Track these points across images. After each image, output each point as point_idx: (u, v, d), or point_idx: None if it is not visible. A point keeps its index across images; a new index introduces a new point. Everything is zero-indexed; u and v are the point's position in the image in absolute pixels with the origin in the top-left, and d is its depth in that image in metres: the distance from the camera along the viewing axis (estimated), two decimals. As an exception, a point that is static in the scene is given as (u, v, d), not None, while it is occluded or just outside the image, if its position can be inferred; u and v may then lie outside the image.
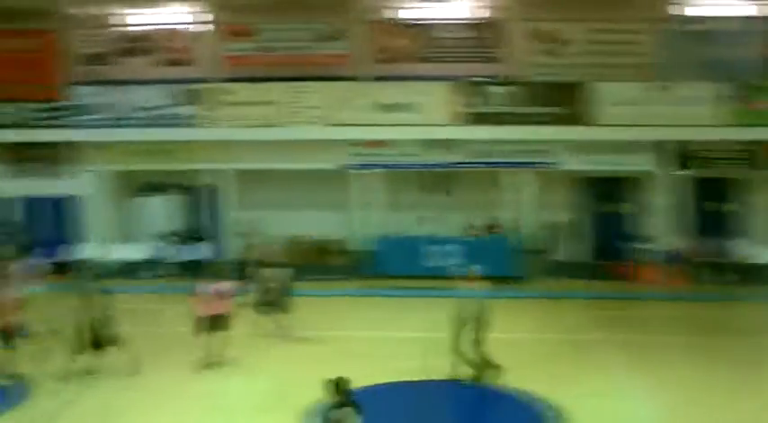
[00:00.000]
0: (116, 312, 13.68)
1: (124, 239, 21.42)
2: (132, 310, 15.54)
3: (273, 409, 12.08)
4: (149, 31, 21.88)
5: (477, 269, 13.07)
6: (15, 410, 12.08)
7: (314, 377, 10.75)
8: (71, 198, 21.30)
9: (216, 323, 13.88)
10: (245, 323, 14.94)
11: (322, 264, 20.69)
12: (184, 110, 20.42)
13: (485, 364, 12.95)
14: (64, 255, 20.65)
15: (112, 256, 20.64)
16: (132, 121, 20.51)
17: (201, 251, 20.69)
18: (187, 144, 20.52)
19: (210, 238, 21.16)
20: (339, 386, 9.18)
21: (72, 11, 21.35)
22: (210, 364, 13.77)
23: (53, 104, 20.79)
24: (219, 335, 13.83)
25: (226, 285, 14.33)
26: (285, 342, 15.05)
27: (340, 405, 9.01)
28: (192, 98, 20.49)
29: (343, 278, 19.89)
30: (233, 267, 18.05)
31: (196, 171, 21.04)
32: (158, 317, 16.80)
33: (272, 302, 15.32)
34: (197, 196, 21.64)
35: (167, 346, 14.69)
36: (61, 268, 19.94)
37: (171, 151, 20.57)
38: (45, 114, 20.85)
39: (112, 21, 22.61)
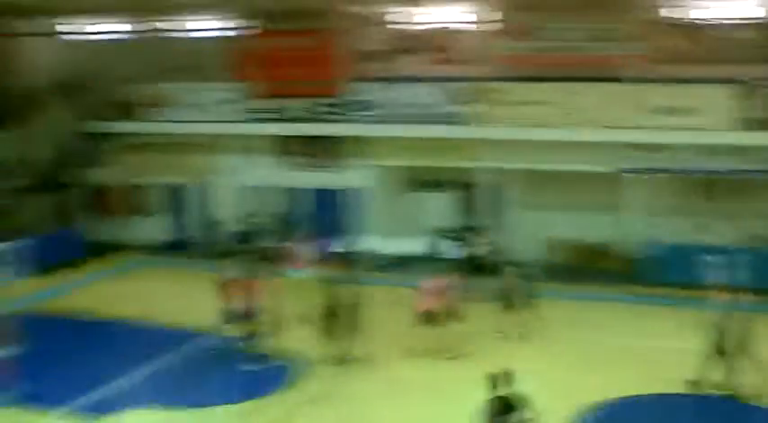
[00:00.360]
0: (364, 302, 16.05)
1: (400, 233, 24.07)
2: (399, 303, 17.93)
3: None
4: (426, 29, 24.43)
5: (743, 281, 14.00)
6: (279, 393, 14.79)
7: (546, 380, 12.70)
8: (352, 191, 24.25)
9: (431, 318, 16.01)
10: (484, 319, 17.14)
11: (590, 266, 22.22)
12: (459, 108, 22.63)
13: (733, 380, 13.83)
14: (341, 245, 23.81)
15: (388, 249, 23.79)
16: (409, 118, 23.02)
17: (476, 248, 22.58)
18: (462, 142, 22.63)
19: (485, 236, 22.96)
20: (498, 382, 10.24)
21: (352, 9, 24.20)
22: (446, 356, 16.03)
23: (335, 100, 23.82)
24: (439, 329, 15.96)
25: (442, 281, 16.31)
26: (521, 341, 16.94)
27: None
28: (467, 97, 22.61)
29: (611, 282, 21.18)
30: (498, 264, 19.84)
31: (470, 169, 23.12)
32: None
33: (512, 301, 17.25)
34: (472, 194, 23.89)
35: (407, 337, 16.91)
36: (337, 257, 23.31)
37: (446, 149, 22.82)
38: (328, 110, 24.08)
39: (390, 19, 25.89)
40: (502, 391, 10.41)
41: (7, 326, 14.61)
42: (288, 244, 22.14)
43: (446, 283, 16.31)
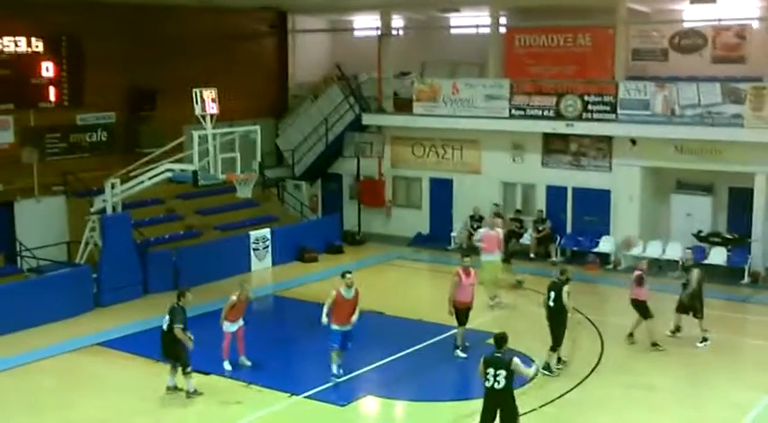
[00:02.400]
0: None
1: (661, 236, 23.48)
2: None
3: None
4: (705, 26, 23.61)
5: None
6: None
7: None
8: (614, 191, 23.81)
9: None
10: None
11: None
12: (736, 109, 21.57)
13: None
14: (600, 246, 23.90)
15: (648, 253, 23.26)
16: (683, 119, 22.28)
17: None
18: (735, 144, 21.57)
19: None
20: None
21: (630, 6, 23.93)
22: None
23: (608, 99, 23.38)
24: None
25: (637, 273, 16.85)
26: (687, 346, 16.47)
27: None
28: (747, 97, 21.48)
29: None
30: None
31: (742, 173, 21.99)
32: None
33: (688, 304, 16.91)
34: (741, 199, 22.73)
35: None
36: (594, 259, 23.31)
37: (717, 151, 21.95)
38: (600, 108, 23.64)
39: (667, 16, 25.17)
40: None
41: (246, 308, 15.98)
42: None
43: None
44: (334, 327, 14.63)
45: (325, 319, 14.61)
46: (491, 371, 11.41)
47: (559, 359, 15.73)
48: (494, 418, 11.70)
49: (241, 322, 15.73)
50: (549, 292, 15.45)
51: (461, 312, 16.33)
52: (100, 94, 23.52)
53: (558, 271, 16.02)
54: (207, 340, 15.17)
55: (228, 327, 15.57)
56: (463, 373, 16.02)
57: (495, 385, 11.41)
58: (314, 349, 17.59)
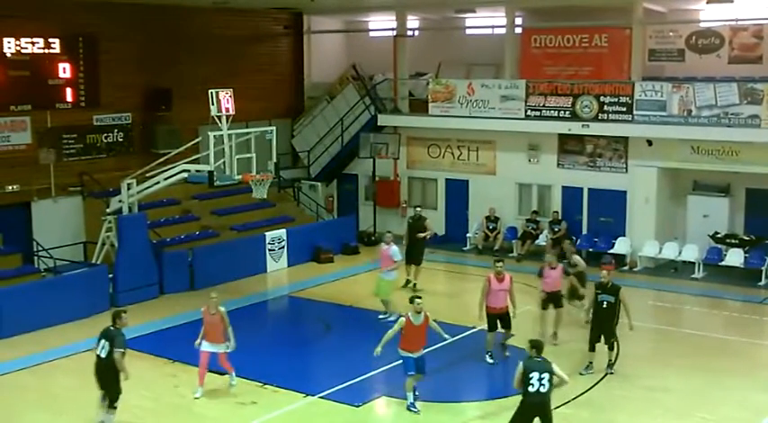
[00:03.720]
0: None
1: (677, 237, 23.56)
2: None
3: None
4: (722, 26, 23.47)
5: None
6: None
7: None
8: (630, 192, 23.76)
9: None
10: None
11: None
12: (754, 110, 21.42)
13: None
14: (615, 247, 23.76)
15: (663, 254, 23.28)
16: (701, 120, 22.14)
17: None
18: (754, 145, 21.57)
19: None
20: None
21: (646, 6, 23.86)
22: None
23: (625, 99, 23.24)
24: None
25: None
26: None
27: None
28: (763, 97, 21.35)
29: None
30: None
31: (760, 174, 21.99)
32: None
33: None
34: (757, 200, 22.84)
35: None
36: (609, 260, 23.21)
37: (734, 151, 21.91)
38: (613, 109, 23.55)
39: (684, 16, 25.10)
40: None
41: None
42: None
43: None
44: (405, 354, 13.93)
45: (379, 350, 13.93)
46: (535, 375, 11.53)
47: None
48: None
49: (222, 348, 14.55)
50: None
51: (491, 318, 16.26)
52: (116, 94, 23.67)
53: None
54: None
55: (203, 346, 14.54)
56: (478, 374, 16.05)
57: (541, 389, 11.55)
58: (329, 350, 17.71)
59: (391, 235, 19.53)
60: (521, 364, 11.77)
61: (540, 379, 11.55)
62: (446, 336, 14.64)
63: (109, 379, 12.73)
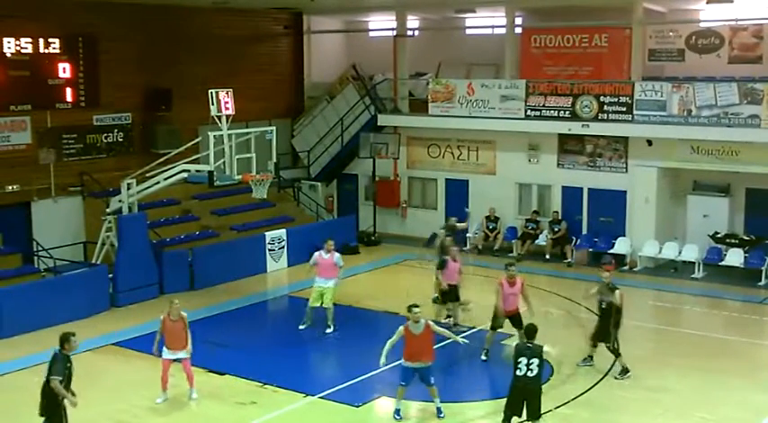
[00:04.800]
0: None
1: (677, 237, 23.53)
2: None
3: None
4: (722, 26, 23.46)
5: None
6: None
7: None
8: (630, 192, 23.70)
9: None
10: None
11: None
12: (754, 110, 21.39)
13: None
14: (615, 247, 23.72)
15: (663, 254, 23.31)
16: (701, 120, 22.11)
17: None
18: (754, 145, 21.56)
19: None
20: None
21: (646, 6, 23.82)
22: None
23: (624, 99, 23.25)
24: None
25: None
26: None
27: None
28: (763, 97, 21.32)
29: None
30: None
31: (761, 174, 21.92)
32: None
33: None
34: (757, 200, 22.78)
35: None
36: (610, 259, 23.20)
37: (735, 151, 21.90)
38: (612, 109, 23.53)
39: (684, 16, 25.08)
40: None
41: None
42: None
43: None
44: (405, 364, 13.68)
45: (383, 360, 13.61)
46: (523, 360, 11.91)
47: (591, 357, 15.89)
48: (521, 411, 12.06)
49: (183, 354, 14.34)
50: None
51: (501, 319, 16.29)
52: (116, 94, 23.67)
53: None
54: (220, 340, 15.21)
55: (165, 353, 14.31)
56: (479, 374, 16.04)
57: (528, 373, 11.91)
58: (329, 350, 17.70)
59: (333, 242, 18.73)
60: (514, 346, 12.33)
61: (529, 364, 11.91)
62: (459, 339, 14.48)
63: (48, 406, 11.70)
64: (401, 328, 13.75)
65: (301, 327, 18.39)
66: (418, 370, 13.69)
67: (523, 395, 12.10)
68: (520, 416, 12.37)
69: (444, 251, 18.78)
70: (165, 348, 14.34)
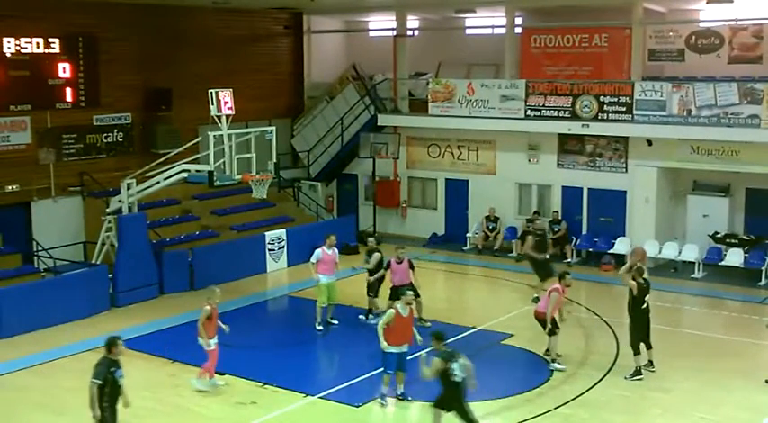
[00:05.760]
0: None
1: (677, 237, 23.56)
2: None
3: None
4: (720, 26, 23.49)
5: None
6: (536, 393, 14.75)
7: None
8: (630, 192, 23.71)
9: None
10: None
11: None
12: (754, 110, 21.39)
13: None
14: (615, 247, 23.69)
15: (663, 254, 23.35)
16: (701, 120, 22.11)
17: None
18: (754, 145, 21.56)
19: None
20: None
21: (646, 6, 23.84)
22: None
23: (624, 99, 23.24)
24: None
25: None
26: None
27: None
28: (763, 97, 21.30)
29: None
30: None
31: (761, 174, 21.93)
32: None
33: None
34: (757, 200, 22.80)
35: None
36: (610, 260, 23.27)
37: (735, 151, 21.91)
38: (612, 109, 23.54)
39: (684, 16, 25.09)
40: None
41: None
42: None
43: None
44: (391, 349, 13.95)
45: (384, 344, 13.90)
46: (456, 365, 11.82)
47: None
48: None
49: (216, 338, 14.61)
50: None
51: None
52: (116, 94, 23.69)
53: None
54: (220, 340, 15.21)
55: (211, 344, 14.58)
56: (479, 374, 15.97)
57: (457, 378, 11.84)
58: (329, 350, 17.72)
59: (335, 237, 18.84)
60: (436, 358, 11.94)
61: (459, 368, 11.87)
62: (418, 337, 14.40)
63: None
64: (391, 310, 14.08)
65: (320, 328, 18.37)
66: (402, 355, 14.00)
67: (458, 401, 11.94)
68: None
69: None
70: (210, 340, 14.49)
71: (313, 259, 18.40)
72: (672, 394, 14.85)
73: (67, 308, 18.70)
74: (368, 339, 17.27)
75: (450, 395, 11.99)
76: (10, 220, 21.36)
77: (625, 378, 15.37)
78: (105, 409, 11.46)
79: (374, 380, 15.25)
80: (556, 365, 15.88)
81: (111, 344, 11.62)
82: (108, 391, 11.43)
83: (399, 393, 14.38)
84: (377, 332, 14.08)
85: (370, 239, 20.04)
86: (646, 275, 15.66)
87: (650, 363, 15.67)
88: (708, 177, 23.27)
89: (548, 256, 20.37)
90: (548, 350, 16.03)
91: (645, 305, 15.41)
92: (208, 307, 14.49)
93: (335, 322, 18.45)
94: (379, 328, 14.03)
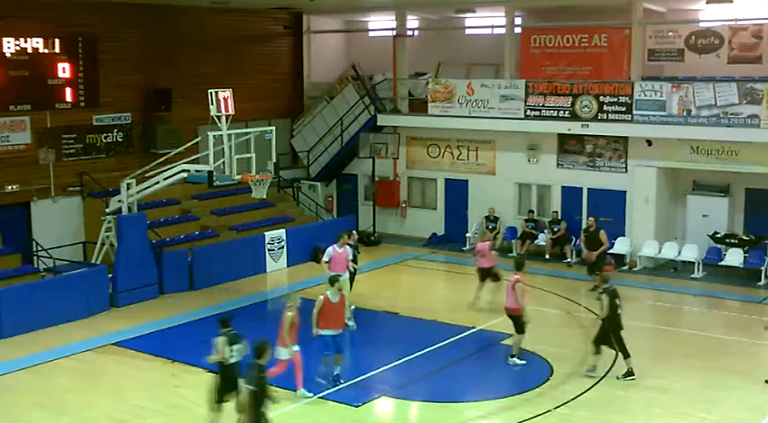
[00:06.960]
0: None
1: (676, 237, 23.56)
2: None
3: None
4: (720, 26, 23.45)
5: None
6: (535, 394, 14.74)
7: None
8: (629, 192, 23.66)
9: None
10: None
11: None
12: (754, 109, 21.37)
13: None
14: (616, 247, 23.56)
15: (663, 254, 23.35)
16: (700, 120, 22.08)
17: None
18: (753, 145, 21.52)
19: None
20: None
21: (646, 6, 23.81)
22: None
23: (624, 99, 23.21)
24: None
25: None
26: None
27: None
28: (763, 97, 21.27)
29: None
30: None
31: (761, 174, 21.91)
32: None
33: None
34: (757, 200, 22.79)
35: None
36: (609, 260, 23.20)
37: (734, 151, 21.89)
38: (612, 109, 23.51)
39: (683, 16, 25.08)
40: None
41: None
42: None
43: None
44: (325, 331, 14.61)
45: (316, 330, 14.58)
46: (234, 347, 12.64)
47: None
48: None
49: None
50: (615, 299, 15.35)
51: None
52: (116, 94, 23.68)
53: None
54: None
55: (293, 350, 14.32)
56: (478, 374, 16.04)
57: (233, 359, 12.68)
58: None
59: (347, 235, 18.89)
60: (220, 338, 12.65)
61: (233, 350, 12.66)
62: (351, 323, 15.32)
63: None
64: (321, 297, 14.73)
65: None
66: (335, 337, 14.65)
67: (234, 382, 12.46)
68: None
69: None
70: (294, 346, 14.28)
71: (325, 258, 18.38)
72: (672, 394, 14.84)
73: (67, 308, 18.70)
74: (367, 340, 17.32)
75: (227, 373, 12.65)
76: (10, 220, 21.36)
77: (617, 378, 15.34)
78: (262, 414, 11.39)
79: (374, 379, 15.27)
80: (516, 360, 15.98)
81: (263, 350, 11.64)
82: (258, 396, 11.41)
83: (335, 374, 14.88)
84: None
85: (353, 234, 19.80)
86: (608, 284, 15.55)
87: (594, 367, 15.59)
88: (707, 177, 23.27)
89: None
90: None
91: (618, 310, 15.34)
92: (290, 313, 14.19)
93: (351, 323, 18.09)
94: (313, 315, 14.60)
